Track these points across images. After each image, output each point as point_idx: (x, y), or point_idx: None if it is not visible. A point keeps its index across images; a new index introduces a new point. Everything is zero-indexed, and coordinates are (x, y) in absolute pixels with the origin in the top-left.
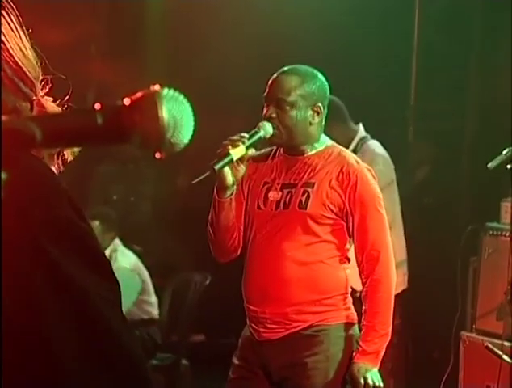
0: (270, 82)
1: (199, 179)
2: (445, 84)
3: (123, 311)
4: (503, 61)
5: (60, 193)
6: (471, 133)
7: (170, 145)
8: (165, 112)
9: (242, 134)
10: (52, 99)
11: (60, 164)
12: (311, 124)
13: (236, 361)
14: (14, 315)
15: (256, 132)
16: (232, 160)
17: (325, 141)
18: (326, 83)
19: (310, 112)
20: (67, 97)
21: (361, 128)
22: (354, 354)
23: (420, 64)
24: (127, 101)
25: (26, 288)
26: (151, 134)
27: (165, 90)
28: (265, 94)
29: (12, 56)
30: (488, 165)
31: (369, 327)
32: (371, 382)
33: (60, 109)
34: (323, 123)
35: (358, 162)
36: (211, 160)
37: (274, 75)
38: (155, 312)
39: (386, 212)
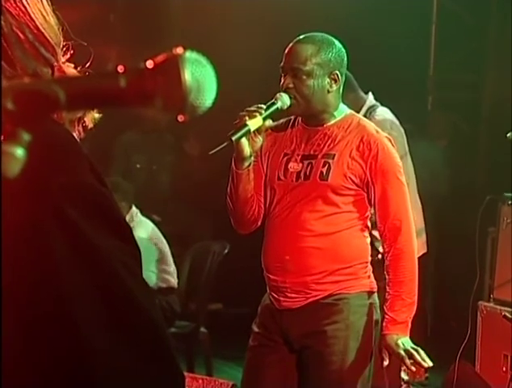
0: (286, 51)
1: (217, 149)
2: (463, 55)
3: None
4: None
5: (82, 159)
6: (489, 104)
7: (193, 108)
8: (187, 75)
9: (259, 105)
10: (73, 65)
11: (81, 130)
12: (329, 92)
13: (256, 329)
14: (34, 285)
15: (273, 103)
16: (249, 131)
17: (343, 110)
18: (343, 50)
19: (327, 80)
20: (88, 64)
21: (370, 96)
22: (383, 325)
23: (439, 35)
24: (150, 64)
25: (46, 253)
26: (174, 97)
27: (188, 53)
28: (281, 64)
29: (33, 21)
30: (508, 135)
31: (395, 297)
32: (410, 349)
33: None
34: (341, 91)
35: (377, 132)
36: (230, 131)
37: (290, 44)
38: (174, 281)
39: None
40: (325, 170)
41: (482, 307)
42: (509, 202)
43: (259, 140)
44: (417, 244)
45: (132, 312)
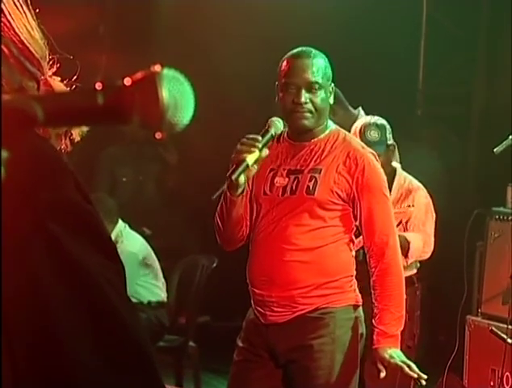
0: (291, 66)
1: (218, 193)
2: (452, 69)
3: (131, 294)
4: (511, 46)
5: (66, 174)
6: (478, 118)
7: (170, 125)
8: (165, 93)
9: (254, 137)
10: (59, 78)
11: (68, 144)
12: (329, 104)
13: (240, 344)
14: (16, 299)
15: (267, 132)
16: (248, 166)
17: (329, 125)
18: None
19: (329, 92)
20: (75, 77)
21: (361, 112)
22: (375, 338)
23: (428, 49)
24: (127, 81)
25: (29, 271)
26: (151, 114)
27: (166, 71)
28: (288, 79)
29: (18, 36)
30: (495, 150)
31: (384, 310)
32: (403, 360)
33: (67, 89)
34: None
35: (363, 147)
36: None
37: (293, 59)
38: (163, 295)
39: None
40: (311, 184)
41: (470, 321)
42: (497, 216)
43: (254, 168)
44: (417, 265)
45: (115, 328)
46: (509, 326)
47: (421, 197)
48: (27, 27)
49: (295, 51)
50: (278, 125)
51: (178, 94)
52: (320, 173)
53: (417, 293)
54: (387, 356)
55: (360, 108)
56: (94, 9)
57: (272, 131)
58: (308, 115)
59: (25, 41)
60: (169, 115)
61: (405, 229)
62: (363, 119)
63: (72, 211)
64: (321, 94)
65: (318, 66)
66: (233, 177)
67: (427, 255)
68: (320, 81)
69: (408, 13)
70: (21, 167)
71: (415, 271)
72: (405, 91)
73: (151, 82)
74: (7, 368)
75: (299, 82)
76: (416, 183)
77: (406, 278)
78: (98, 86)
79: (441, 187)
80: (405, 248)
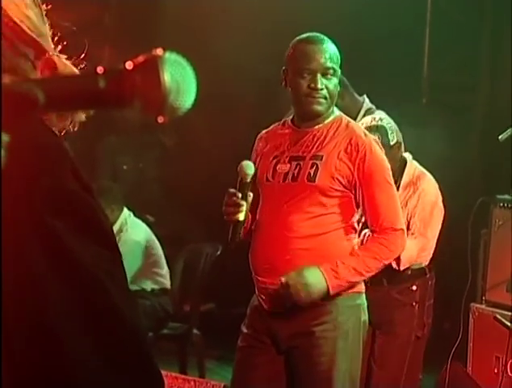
0: (305, 52)
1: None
2: (457, 57)
3: (135, 282)
4: None
5: (65, 164)
6: (482, 106)
7: (172, 109)
8: (167, 76)
9: (234, 194)
10: (65, 56)
11: (74, 125)
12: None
13: (244, 330)
14: (15, 296)
15: (242, 182)
16: (243, 221)
17: (334, 112)
18: None
19: (339, 79)
20: (82, 55)
21: (366, 99)
22: (327, 267)
23: (433, 36)
24: (129, 65)
25: (25, 261)
26: (153, 98)
27: (168, 54)
28: (303, 64)
29: (9, 16)
30: (499, 137)
31: (358, 258)
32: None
33: (72, 67)
34: None
35: (366, 134)
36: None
37: (306, 45)
38: (166, 282)
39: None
40: (312, 171)
41: (474, 309)
42: (502, 204)
43: (248, 201)
44: (429, 256)
45: (115, 327)
46: None
47: (429, 193)
48: (18, 5)
49: (305, 36)
50: (248, 168)
51: (180, 78)
52: (321, 159)
53: (430, 283)
54: (301, 271)
55: (365, 96)
56: (98, 1)
57: (248, 179)
58: (323, 100)
59: (17, 20)
60: (171, 99)
61: (407, 229)
62: (363, 121)
63: (69, 201)
64: (334, 80)
65: (331, 52)
66: (236, 239)
67: (425, 259)
68: (334, 66)
69: (412, 2)
70: (21, 153)
71: (427, 262)
72: (410, 79)
73: (153, 65)
74: (7, 367)
75: (315, 68)
76: (426, 173)
77: (418, 269)
78: (100, 69)
79: (445, 175)
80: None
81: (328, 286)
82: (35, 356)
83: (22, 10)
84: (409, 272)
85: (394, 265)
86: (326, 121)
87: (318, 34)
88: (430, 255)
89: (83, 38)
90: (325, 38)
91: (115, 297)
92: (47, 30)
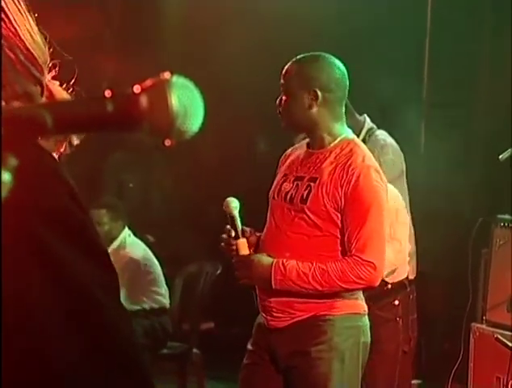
0: None
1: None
2: (457, 75)
3: (134, 301)
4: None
5: (60, 182)
6: (483, 125)
7: (180, 132)
8: (174, 100)
9: (228, 232)
10: (58, 82)
11: (67, 146)
12: (310, 108)
13: (250, 347)
14: (6, 307)
15: (233, 219)
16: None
17: (344, 134)
18: (335, 70)
19: (307, 97)
20: (73, 80)
21: (367, 119)
22: (279, 261)
23: (433, 53)
24: (137, 89)
25: (19, 277)
26: (160, 122)
27: (175, 78)
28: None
29: (23, 42)
30: (500, 156)
31: (312, 266)
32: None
33: (65, 93)
34: (331, 110)
35: (363, 161)
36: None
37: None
38: (166, 302)
39: (395, 204)
40: (306, 192)
41: (475, 329)
42: (502, 224)
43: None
44: (407, 269)
45: (108, 339)
46: None
47: (389, 200)
48: (30, 32)
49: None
50: (232, 204)
51: (187, 102)
52: (315, 181)
53: (411, 296)
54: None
55: (365, 115)
56: (100, 14)
57: (234, 212)
58: (280, 116)
59: (29, 46)
60: (179, 123)
61: None
62: (365, 130)
63: (65, 219)
64: (285, 97)
65: (289, 70)
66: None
67: (404, 261)
68: (284, 84)
69: (411, 18)
70: (24, 175)
71: (405, 275)
72: (408, 96)
73: (161, 89)
74: None
75: (280, 84)
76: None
77: (397, 283)
78: (108, 93)
79: (446, 194)
80: None
81: (272, 278)
82: (23, 363)
83: (33, 37)
84: (389, 287)
85: None
86: (333, 144)
87: (308, 54)
88: (406, 256)
89: (73, 63)
90: (307, 57)
91: (109, 311)
92: (48, 57)
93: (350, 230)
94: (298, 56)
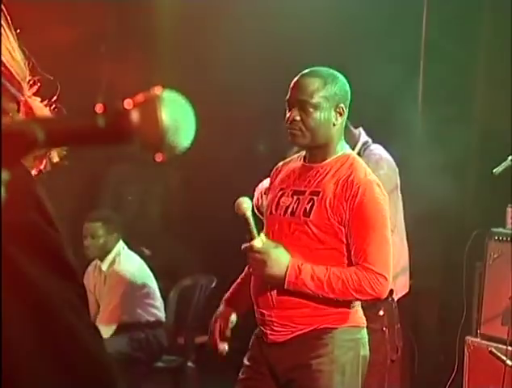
0: (292, 85)
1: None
2: (451, 90)
3: (127, 314)
4: (510, 66)
5: (29, 197)
6: (477, 139)
7: (170, 147)
8: (165, 116)
9: (249, 226)
10: (39, 99)
11: (47, 164)
12: (334, 125)
13: (246, 362)
14: None
15: (243, 216)
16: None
17: (342, 149)
18: (347, 85)
19: (333, 113)
20: (54, 97)
21: (362, 132)
22: (295, 262)
23: (427, 69)
24: (128, 104)
25: None
26: (151, 137)
27: (166, 93)
28: (287, 97)
29: (1, 60)
30: (494, 170)
31: (327, 272)
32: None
33: (46, 109)
34: (343, 126)
35: (366, 175)
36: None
37: (296, 78)
38: (161, 315)
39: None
40: (308, 206)
41: (469, 342)
42: (496, 237)
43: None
44: (398, 282)
45: (75, 351)
46: (509, 348)
47: None
48: (8, 49)
49: (304, 71)
50: (245, 202)
51: (178, 117)
52: (318, 195)
53: (394, 306)
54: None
55: (361, 129)
56: (96, 17)
57: (248, 212)
58: (298, 133)
59: (7, 64)
60: (169, 138)
61: None
62: (360, 143)
63: (32, 235)
64: (313, 113)
65: (314, 85)
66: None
67: None
68: (312, 100)
69: (406, 34)
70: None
71: None
72: (405, 111)
73: (151, 105)
74: None
75: (292, 100)
76: None
77: None
78: (99, 108)
79: (440, 208)
80: None
81: (285, 278)
82: None
83: (12, 54)
84: None
85: None
86: (331, 158)
87: (318, 68)
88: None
89: (55, 80)
90: (322, 72)
91: (79, 328)
92: (27, 73)
93: (357, 244)
94: (311, 70)
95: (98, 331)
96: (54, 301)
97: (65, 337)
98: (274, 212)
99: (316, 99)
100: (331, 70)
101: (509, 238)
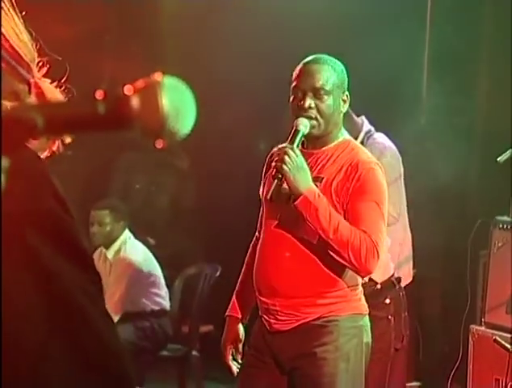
0: (300, 72)
1: (271, 191)
2: (456, 78)
3: (134, 303)
4: None
5: (45, 183)
6: (481, 127)
7: (171, 133)
8: (165, 101)
9: (285, 146)
10: (49, 80)
11: (60, 146)
12: (341, 112)
13: (248, 350)
14: None
15: (297, 131)
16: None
17: (342, 134)
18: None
19: (341, 101)
20: (64, 78)
21: (365, 120)
22: (315, 190)
23: (432, 58)
24: (128, 90)
25: (3, 279)
26: (152, 123)
27: (167, 79)
28: (296, 84)
29: (7, 41)
30: (498, 159)
31: (339, 216)
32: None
33: (57, 90)
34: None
35: (369, 158)
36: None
37: (303, 65)
38: (166, 304)
39: (393, 207)
40: None
41: (474, 331)
42: (501, 226)
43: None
44: (402, 273)
45: (92, 342)
46: None
47: None
48: (15, 31)
49: (308, 58)
50: (306, 123)
51: (178, 103)
52: (321, 182)
53: (401, 294)
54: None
55: (363, 117)
56: (97, 12)
57: (302, 129)
58: (314, 122)
59: (14, 45)
60: (170, 124)
61: None
62: (363, 132)
63: (49, 222)
64: (327, 100)
65: (326, 72)
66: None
67: (386, 260)
68: (326, 87)
69: (411, 24)
70: (14, 176)
71: (391, 273)
72: (409, 101)
73: (152, 90)
74: None
75: (304, 87)
76: None
77: (385, 282)
78: (99, 94)
79: (444, 197)
80: None
81: (303, 194)
82: (7, 372)
83: (19, 35)
84: (379, 287)
85: None
86: (332, 144)
87: (322, 55)
88: (388, 257)
89: (64, 61)
90: (327, 58)
91: (93, 315)
92: (35, 55)
93: (355, 216)
94: (317, 57)
95: (112, 320)
96: (70, 288)
97: (79, 323)
98: (275, 198)
99: (329, 86)
100: (332, 58)
101: None
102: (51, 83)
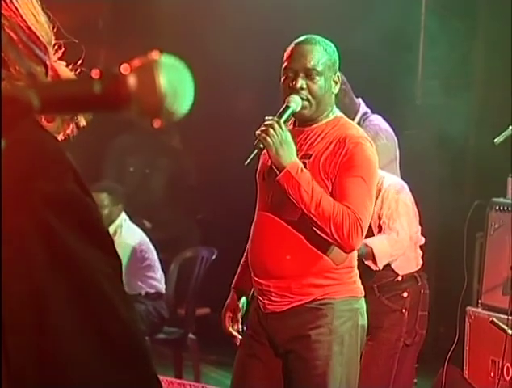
0: (291, 52)
1: (250, 159)
2: (451, 60)
3: (129, 286)
4: (509, 36)
5: (64, 166)
6: (477, 108)
7: (169, 113)
8: (163, 81)
9: (272, 118)
10: (65, 63)
11: (75, 128)
12: (332, 93)
13: (245, 331)
14: (12, 288)
15: (287, 107)
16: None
17: (333, 112)
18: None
19: (332, 82)
20: (80, 61)
21: (362, 102)
22: (297, 164)
23: (427, 40)
24: (125, 69)
25: (25, 260)
26: (149, 103)
27: (164, 58)
28: (287, 65)
29: (25, 21)
30: (495, 140)
31: (321, 191)
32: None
33: (72, 73)
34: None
35: (359, 133)
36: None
37: (295, 46)
38: (161, 287)
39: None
40: None
41: (470, 312)
42: (498, 207)
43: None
44: (419, 262)
45: (112, 323)
46: (510, 317)
47: (390, 192)
48: (33, 12)
49: (299, 38)
50: (297, 100)
51: (176, 83)
52: (309, 158)
53: (422, 291)
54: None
55: (360, 99)
56: (93, 3)
57: (293, 106)
58: (306, 103)
59: (32, 26)
60: (168, 104)
61: (380, 231)
62: (360, 114)
63: (69, 203)
64: (319, 80)
65: (318, 53)
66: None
67: (401, 252)
68: (318, 68)
69: (406, 6)
70: (17, 159)
71: (416, 268)
72: (404, 82)
73: (149, 69)
74: (3, 363)
75: (296, 68)
76: (384, 174)
77: (407, 275)
78: (95, 74)
79: (441, 179)
80: (370, 254)
81: (286, 167)
82: (31, 353)
83: (37, 17)
84: (400, 279)
85: (373, 266)
86: (323, 121)
87: (313, 36)
88: (403, 248)
89: (80, 44)
90: (318, 39)
91: (112, 296)
92: (52, 37)
93: (342, 191)
94: (309, 38)
95: (131, 301)
96: (91, 270)
97: (101, 306)
98: (266, 177)
99: (321, 67)
100: (324, 38)
101: (510, 208)
102: (66, 66)
